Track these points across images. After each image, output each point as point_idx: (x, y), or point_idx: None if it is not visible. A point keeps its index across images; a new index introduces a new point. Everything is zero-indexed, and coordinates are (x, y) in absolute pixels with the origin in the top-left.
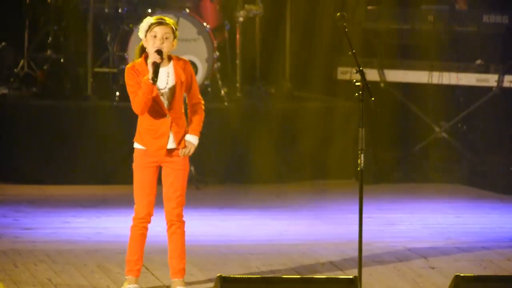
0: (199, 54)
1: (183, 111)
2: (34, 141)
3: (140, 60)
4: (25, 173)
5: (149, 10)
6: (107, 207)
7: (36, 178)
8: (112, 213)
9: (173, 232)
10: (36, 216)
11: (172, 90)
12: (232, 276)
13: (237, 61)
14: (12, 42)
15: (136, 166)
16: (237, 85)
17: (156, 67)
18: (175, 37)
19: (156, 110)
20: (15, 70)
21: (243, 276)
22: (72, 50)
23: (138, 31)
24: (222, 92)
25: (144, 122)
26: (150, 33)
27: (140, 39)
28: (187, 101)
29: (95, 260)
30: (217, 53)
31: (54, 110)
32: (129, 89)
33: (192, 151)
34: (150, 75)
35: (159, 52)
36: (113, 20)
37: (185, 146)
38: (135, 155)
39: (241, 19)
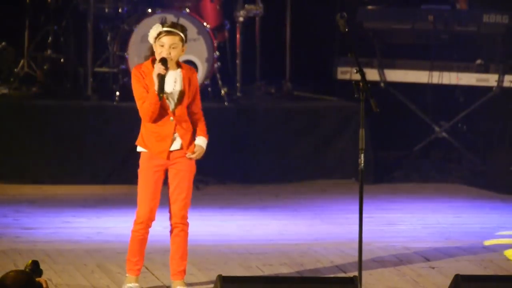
0: (199, 54)
1: (187, 116)
2: (34, 141)
3: (147, 62)
4: (25, 173)
5: (149, 10)
6: (107, 207)
7: (36, 178)
8: (112, 213)
9: (176, 235)
10: (36, 216)
11: (179, 94)
12: (232, 276)
13: (237, 61)
14: (12, 42)
15: (142, 170)
16: (237, 85)
17: (162, 79)
18: (184, 43)
19: (160, 113)
20: (15, 70)
21: (243, 276)
22: (72, 50)
23: (148, 36)
24: (222, 92)
25: (148, 124)
26: (158, 41)
27: (140, 40)
28: (189, 112)
29: (95, 260)
30: (217, 53)
31: (54, 110)
32: (135, 93)
33: (201, 154)
34: (156, 88)
35: (163, 61)
36: (113, 20)
37: (193, 151)
38: (140, 159)
39: (241, 19)
